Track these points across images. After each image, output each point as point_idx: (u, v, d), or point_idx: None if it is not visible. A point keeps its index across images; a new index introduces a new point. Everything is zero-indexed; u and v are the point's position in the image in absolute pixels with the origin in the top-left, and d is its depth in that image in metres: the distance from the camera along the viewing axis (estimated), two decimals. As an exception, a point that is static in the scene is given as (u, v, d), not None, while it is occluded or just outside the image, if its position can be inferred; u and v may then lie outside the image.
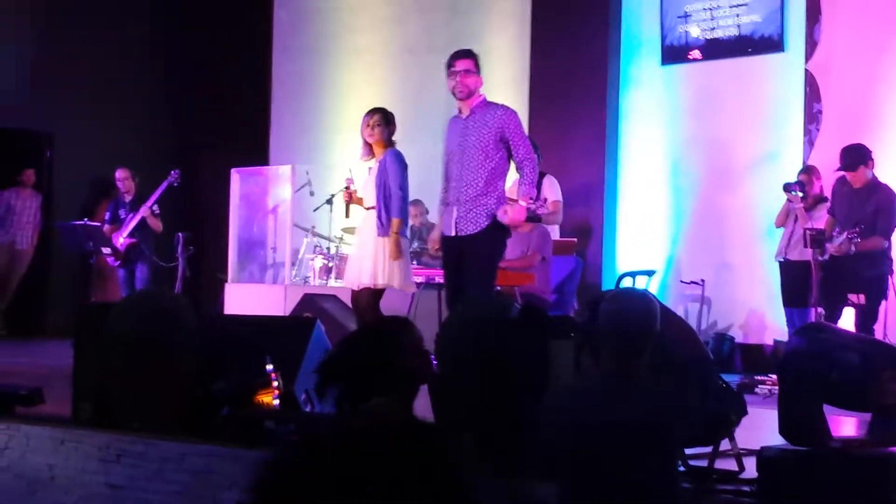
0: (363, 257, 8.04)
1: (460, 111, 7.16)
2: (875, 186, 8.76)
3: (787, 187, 9.41)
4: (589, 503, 3.62)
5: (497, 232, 7.10)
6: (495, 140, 7.04)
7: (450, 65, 7.21)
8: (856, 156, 8.77)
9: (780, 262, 9.58)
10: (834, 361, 4.24)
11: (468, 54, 7.24)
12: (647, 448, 3.62)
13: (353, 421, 1.96)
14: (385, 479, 1.79)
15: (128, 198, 11.46)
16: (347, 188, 8.43)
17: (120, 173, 11.54)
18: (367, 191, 8.18)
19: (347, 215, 8.66)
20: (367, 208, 8.18)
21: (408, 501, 1.78)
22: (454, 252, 7.11)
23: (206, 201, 13.88)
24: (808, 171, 9.65)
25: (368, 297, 8.01)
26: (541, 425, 3.82)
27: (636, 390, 3.72)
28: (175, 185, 11.33)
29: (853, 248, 8.36)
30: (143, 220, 11.15)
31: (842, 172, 8.87)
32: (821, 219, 9.27)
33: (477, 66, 7.19)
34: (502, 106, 7.18)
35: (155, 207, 11.19)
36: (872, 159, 8.79)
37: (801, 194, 9.33)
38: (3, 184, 12.90)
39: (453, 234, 7.09)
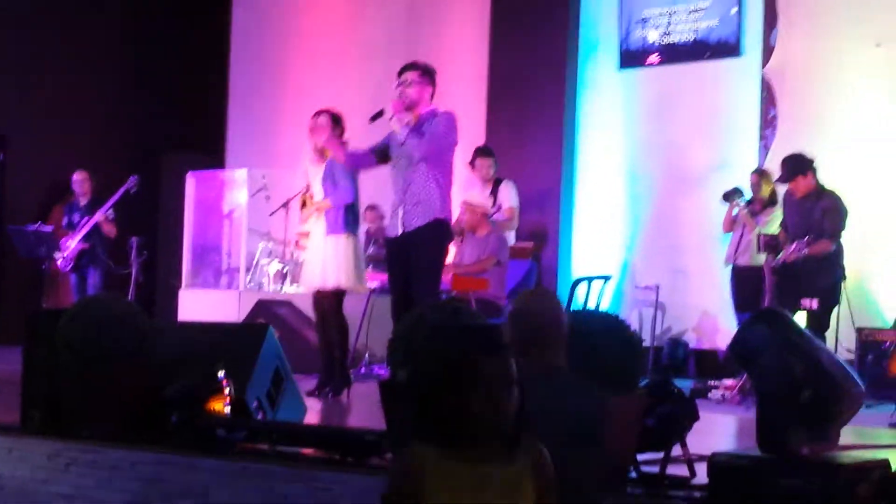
0: (320, 260, 8.03)
1: (409, 121, 7.18)
2: (819, 193, 8.80)
3: (726, 197, 9.51)
4: None
5: (442, 231, 7.18)
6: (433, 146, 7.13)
7: (398, 76, 7.30)
8: (792, 166, 8.82)
9: (730, 268, 9.62)
10: (807, 379, 4.24)
11: (412, 66, 7.35)
12: (571, 438, 3.57)
13: None
14: None
15: (83, 201, 11.32)
16: (305, 192, 8.43)
17: (77, 175, 11.41)
18: (318, 194, 8.16)
19: (304, 220, 8.66)
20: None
21: None
22: (400, 254, 7.14)
23: (160, 205, 13.80)
24: (759, 173, 9.69)
25: (331, 300, 8.01)
26: None
27: (559, 381, 3.71)
28: (132, 191, 11.21)
29: (802, 256, 8.42)
30: (96, 225, 11.02)
31: (784, 184, 8.94)
32: (770, 223, 9.31)
33: (423, 77, 7.25)
34: (445, 112, 7.24)
35: (110, 213, 11.06)
36: (812, 168, 8.81)
37: (743, 200, 9.42)
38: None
39: (400, 232, 7.13)
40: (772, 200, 9.48)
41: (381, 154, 7.37)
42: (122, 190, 11.10)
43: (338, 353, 7.99)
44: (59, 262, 11.06)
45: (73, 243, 11.00)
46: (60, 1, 13.62)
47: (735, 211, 9.54)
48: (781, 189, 9.22)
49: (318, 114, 8.20)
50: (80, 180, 11.33)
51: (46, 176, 13.19)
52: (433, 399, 2.94)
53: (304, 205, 8.41)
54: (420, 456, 2.93)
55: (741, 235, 9.45)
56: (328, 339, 8.03)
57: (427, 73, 7.31)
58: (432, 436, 2.94)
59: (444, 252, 7.39)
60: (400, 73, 7.32)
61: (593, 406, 3.69)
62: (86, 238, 10.98)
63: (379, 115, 7.25)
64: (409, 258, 7.09)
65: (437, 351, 3.06)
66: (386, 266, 7.85)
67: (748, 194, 9.59)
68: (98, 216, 10.94)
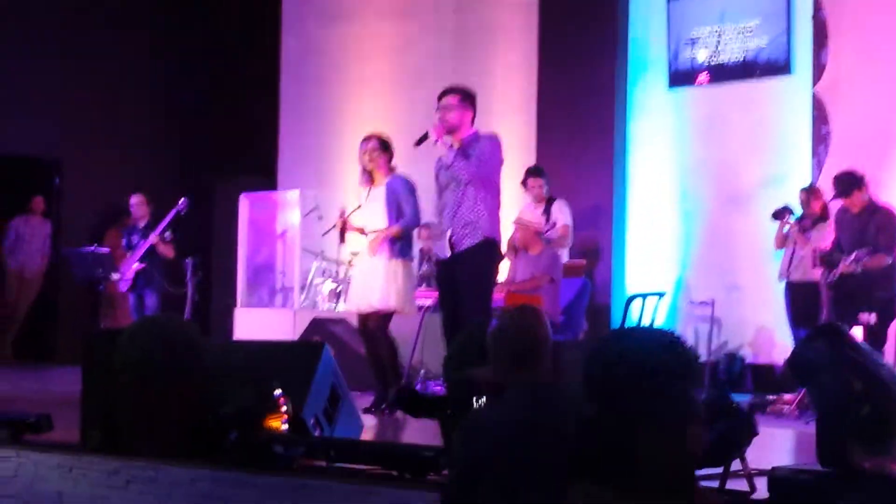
0: (371, 281, 8.06)
1: (452, 144, 7.25)
2: (874, 207, 8.80)
3: (776, 215, 9.51)
4: None
5: (491, 251, 7.20)
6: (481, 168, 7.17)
7: (437, 100, 7.35)
8: (847, 182, 8.83)
9: (785, 283, 9.58)
10: (867, 394, 4.22)
11: (452, 90, 7.39)
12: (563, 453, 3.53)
13: None
14: None
15: (141, 223, 11.43)
16: (342, 216, 8.48)
17: (134, 199, 11.52)
18: (369, 216, 8.20)
19: (342, 241, 8.73)
20: (371, 232, 8.19)
21: None
22: (450, 276, 7.20)
23: (215, 226, 13.91)
24: (808, 189, 9.67)
25: (378, 321, 8.04)
26: (459, 447, 3.63)
27: (546, 396, 3.65)
28: (182, 213, 11.29)
29: (860, 268, 8.40)
30: (153, 247, 11.11)
31: (839, 201, 8.92)
32: (820, 238, 9.29)
33: (464, 101, 7.28)
34: (488, 134, 7.28)
35: (167, 234, 11.15)
36: (866, 183, 8.81)
37: (794, 217, 9.41)
38: (12, 211, 12.95)
39: (449, 254, 7.19)
40: (822, 216, 9.45)
41: None
42: (173, 212, 11.19)
43: (390, 371, 8.03)
44: (118, 284, 11.17)
45: (131, 265, 11.11)
46: (114, 28, 13.80)
47: (786, 228, 9.53)
48: (833, 205, 9.20)
49: (367, 139, 8.26)
50: (137, 203, 11.42)
51: (101, 199, 13.35)
52: (610, 435, 2.72)
53: (344, 227, 8.46)
54: (592, 497, 2.70)
55: (793, 251, 9.44)
56: (378, 356, 8.08)
57: (467, 97, 7.34)
58: (605, 474, 2.70)
59: (494, 271, 7.41)
60: (440, 98, 7.37)
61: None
62: (142, 259, 11.07)
63: (424, 138, 7.32)
64: (458, 278, 7.14)
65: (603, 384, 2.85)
66: (437, 286, 7.89)
67: (798, 211, 9.57)
68: (152, 238, 11.01)
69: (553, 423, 3.49)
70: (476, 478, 3.53)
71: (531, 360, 3.80)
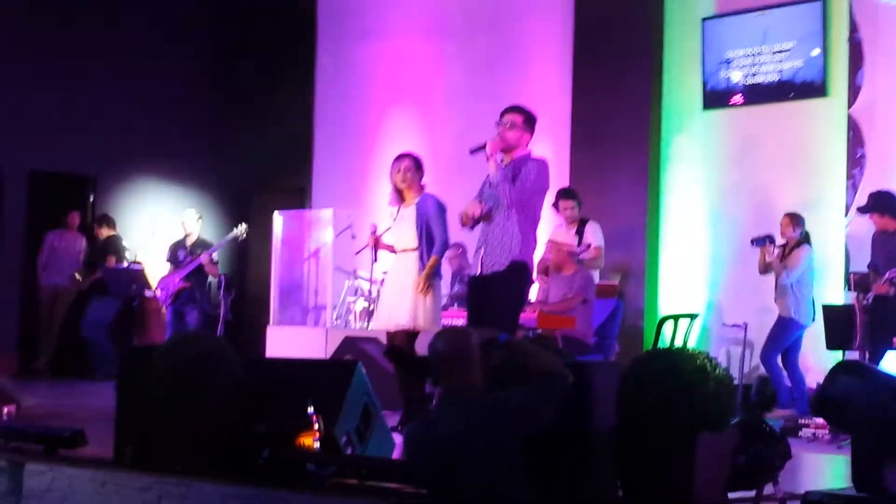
0: (400, 300, 8.07)
1: (503, 160, 7.23)
2: None
3: (755, 242, 9.65)
4: None
5: (520, 274, 7.16)
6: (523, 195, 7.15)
7: (500, 116, 7.31)
8: (884, 200, 8.82)
9: (822, 306, 9.57)
10: None
11: (517, 109, 7.33)
12: (487, 448, 4.27)
13: None
14: None
15: (189, 240, 11.51)
16: (373, 233, 8.50)
17: (188, 213, 11.63)
18: (399, 235, 8.22)
19: (375, 258, 8.75)
20: (401, 251, 8.21)
21: None
22: (478, 294, 7.18)
23: (249, 244, 13.97)
24: (789, 216, 9.75)
25: (405, 339, 8.05)
26: (405, 452, 4.52)
27: (467, 402, 4.44)
28: (240, 238, 11.40)
29: (893, 289, 8.37)
30: (199, 266, 11.21)
31: (872, 217, 8.93)
32: (795, 267, 9.49)
33: (526, 123, 7.27)
34: (538, 159, 7.26)
35: (214, 255, 11.27)
36: None
37: (772, 246, 9.49)
38: (48, 226, 13.03)
39: (479, 272, 7.17)
40: (799, 242, 9.51)
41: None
42: (230, 236, 11.30)
43: (417, 389, 8.03)
44: (159, 296, 11.25)
45: (176, 280, 11.19)
46: (151, 47, 13.90)
47: (768, 257, 9.63)
48: (858, 224, 9.19)
49: (400, 157, 8.28)
50: (189, 217, 11.52)
51: (136, 217, 13.43)
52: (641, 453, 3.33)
53: (376, 244, 8.49)
54: None
55: (777, 278, 9.60)
56: (405, 375, 8.08)
57: (529, 120, 7.33)
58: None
59: (522, 295, 7.35)
60: (502, 115, 7.34)
61: (500, 415, 4.35)
62: (186, 277, 11.17)
63: (480, 148, 7.26)
64: (485, 299, 7.13)
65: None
66: (466, 305, 7.88)
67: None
68: (203, 258, 11.15)
69: (478, 419, 4.36)
70: (428, 479, 4.45)
71: (456, 371, 4.54)
